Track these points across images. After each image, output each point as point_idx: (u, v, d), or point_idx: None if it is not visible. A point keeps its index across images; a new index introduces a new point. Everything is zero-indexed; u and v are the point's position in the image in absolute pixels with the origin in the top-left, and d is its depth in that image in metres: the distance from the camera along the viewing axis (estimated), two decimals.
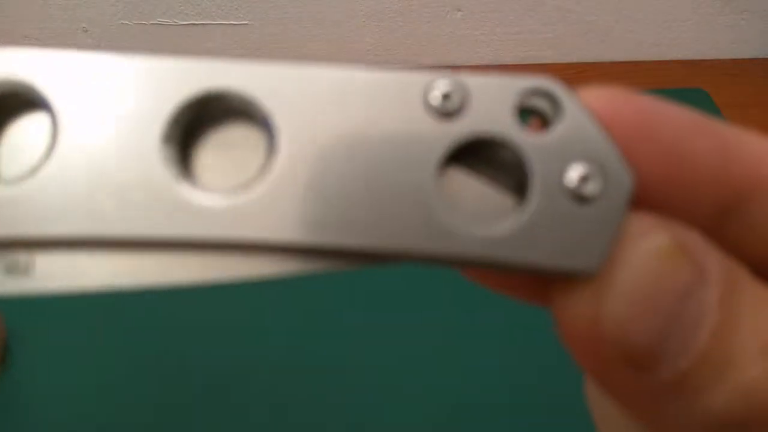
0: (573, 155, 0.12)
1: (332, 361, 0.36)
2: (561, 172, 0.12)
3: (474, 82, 0.12)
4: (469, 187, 0.13)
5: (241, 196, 0.12)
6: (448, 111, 0.12)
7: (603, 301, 0.11)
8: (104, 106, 0.12)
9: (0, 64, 0.13)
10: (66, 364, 0.36)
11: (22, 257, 0.13)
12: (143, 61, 0.13)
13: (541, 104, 0.13)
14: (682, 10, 0.56)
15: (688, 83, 0.54)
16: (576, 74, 0.55)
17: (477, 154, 0.13)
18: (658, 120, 0.12)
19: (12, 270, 0.13)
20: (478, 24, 0.56)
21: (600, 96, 0.12)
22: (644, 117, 0.12)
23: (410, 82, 0.12)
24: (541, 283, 0.13)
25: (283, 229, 0.12)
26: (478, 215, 0.13)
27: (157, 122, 0.12)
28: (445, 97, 0.12)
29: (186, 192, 0.12)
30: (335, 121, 0.12)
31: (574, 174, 0.12)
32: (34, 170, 0.12)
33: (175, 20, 0.54)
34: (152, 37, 0.55)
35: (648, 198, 0.12)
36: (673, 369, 0.11)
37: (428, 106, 0.12)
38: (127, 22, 0.54)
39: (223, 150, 0.13)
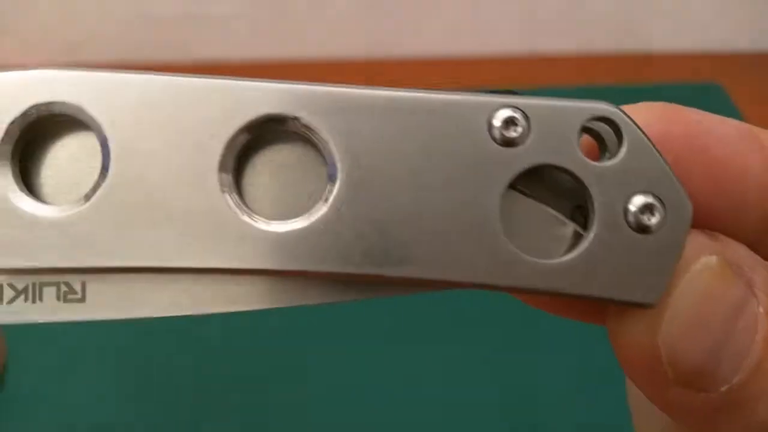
0: (635, 184, 0.12)
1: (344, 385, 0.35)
2: (623, 201, 0.12)
3: (538, 108, 0.12)
4: (528, 213, 0.13)
5: (300, 223, 0.12)
6: (512, 139, 0.12)
7: (658, 327, 0.12)
8: (157, 132, 0.12)
9: (48, 84, 0.12)
10: (63, 383, 0.35)
11: (75, 284, 0.13)
12: (199, 84, 0.12)
13: (600, 128, 0.13)
14: (697, 0, 0.55)
15: (703, 77, 0.53)
16: (588, 66, 0.54)
17: (533, 178, 0.12)
18: (707, 135, 0.12)
19: (65, 297, 0.13)
20: (483, 14, 0.55)
21: (649, 113, 0.12)
22: (694, 133, 0.12)
23: (474, 107, 0.12)
24: (598, 306, 0.13)
25: (345, 259, 0.12)
26: (538, 242, 0.13)
27: (216, 149, 0.12)
28: (509, 124, 0.12)
29: (247, 220, 0.12)
30: (397, 147, 0.12)
31: (636, 204, 0.12)
32: (87, 196, 0.12)
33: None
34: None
35: (696, 212, 0.12)
36: (729, 385, 0.11)
37: (493, 132, 0.12)
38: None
39: (274, 174, 0.13)
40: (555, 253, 0.12)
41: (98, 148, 0.12)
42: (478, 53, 0.56)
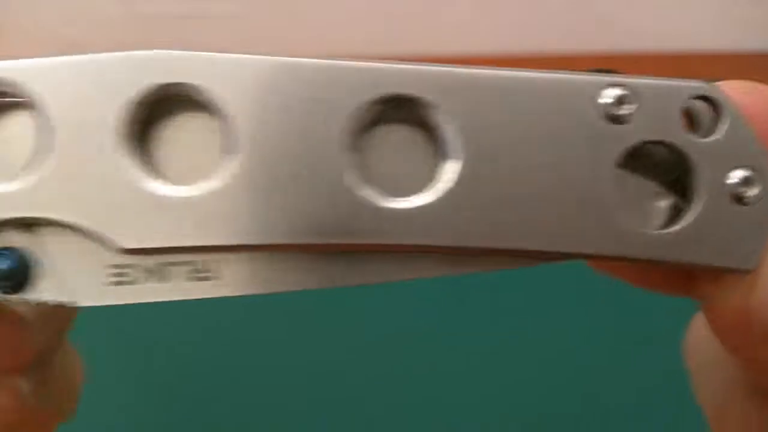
0: (734, 159, 0.13)
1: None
2: (724, 175, 0.13)
3: (643, 87, 0.13)
4: (632, 187, 0.13)
5: (424, 199, 0.13)
6: (621, 116, 0.13)
7: (754, 291, 0.13)
8: (281, 113, 0.12)
9: (171, 65, 0.12)
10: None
11: (205, 263, 0.13)
12: (319, 65, 0.13)
13: (698, 107, 0.13)
14: (697, 0, 0.55)
15: (706, 77, 0.53)
16: (588, 66, 0.54)
17: (632, 154, 0.13)
18: None
19: (196, 276, 0.13)
20: (485, 13, 0.55)
21: (736, 90, 0.13)
22: None
23: (585, 86, 0.13)
24: (684, 276, 0.14)
25: (469, 234, 0.13)
26: (641, 214, 0.13)
27: (339, 128, 0.12)
28: (619, 102, 0.13)
29: (371, 197, 0.13)
30: (512, 125, 0.13)
31: (736, 177, 0.13)
32: (215, 177, 0.12)
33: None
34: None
35: None
36: None
37: (601, 110, 0.13)
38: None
39: (390, 153, 0.13)
40: (654, 224, 0.13)
41: (218, 128, 0.13)
42: (479, 53, 0.56)
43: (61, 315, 0.17)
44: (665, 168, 0.13)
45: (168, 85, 0.12)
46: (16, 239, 0.13)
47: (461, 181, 0.13)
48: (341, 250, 0.13)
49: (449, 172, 0.13)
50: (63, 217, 0.12)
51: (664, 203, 0.14)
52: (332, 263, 0.13)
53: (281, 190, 0.12)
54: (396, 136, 0.13)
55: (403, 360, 0.36)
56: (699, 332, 0.16)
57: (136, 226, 0.12)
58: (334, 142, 0.12)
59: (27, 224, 0.13)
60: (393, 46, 0.55)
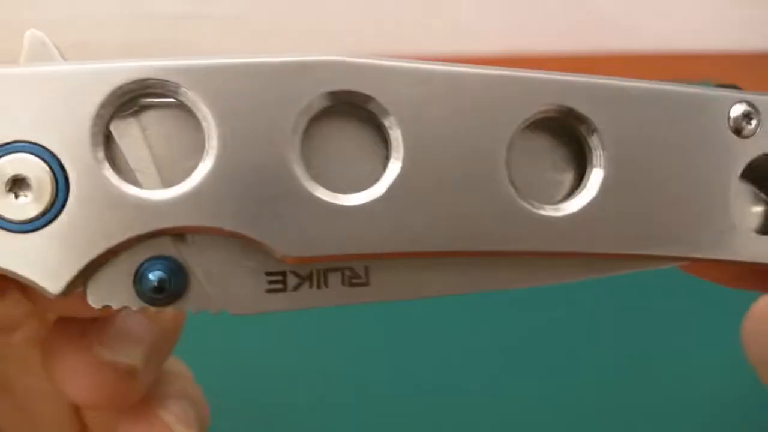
0: None
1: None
2: None
3: (766, 103, 0.14)
4: (747, 195, 0.14)
5: (571, 207, 0.13)
6: (746, 130, 0.14)
7: None
8: (446, 121, 0.13)
9: (339, 73, 0.12)
10: None
11: (359, 269, 0.13)
12: (486, 75, 0.13)
13: None
14: (697, 0, 0.54)
15: (704, 76, 0.53)
16: (588, 66, 0.54)
17: (751, 165, 0.14)
18: None
19: (350, 282, 0.13)
20: (484, 13, 0.55)
21: None
22: None
23: (716, 100, 0.13)
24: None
25: (611, 240, 0.13)
26: (751, 220, 0.14)
27: (502, 140, 0.13)
28: (747, 117, 0.14)
29: (529, 204, 0.13)
30: (654, 134, 0.13)
31: None
32: (380, 185, 0.12)
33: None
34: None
35: None
36: None
37: (731, 124, 0.13)
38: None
39: (540, 162, 0.14)
40: (755, 229, 0.14)
41: (379, 136, 0.13)
42: (479, 53, 0.56)
43: (166, 350, 0.18)
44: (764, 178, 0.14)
45: (339, 93, 0.12)
46: (169, 249, 0.13)
47: (605, 189, 0.13)
48: (491, 256, 0.13)
49: (594, 181, 0.13)
50: (224, 226, 0.12)
51: (761, 210, 0.15)
52: (479, 268, 0.14)
53: (442, 199, 0.13)
54: (545, 146, 0.14)
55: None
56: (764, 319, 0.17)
57: (300, 234, 0.12)
58: (496, 152, 0.13)
59: (181, 233, 0.13)
60: (393, 46, 0.55)
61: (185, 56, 0.13)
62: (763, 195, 0.15)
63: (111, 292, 0.13)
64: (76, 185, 0.12)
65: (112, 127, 0.12)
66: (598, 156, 0.13)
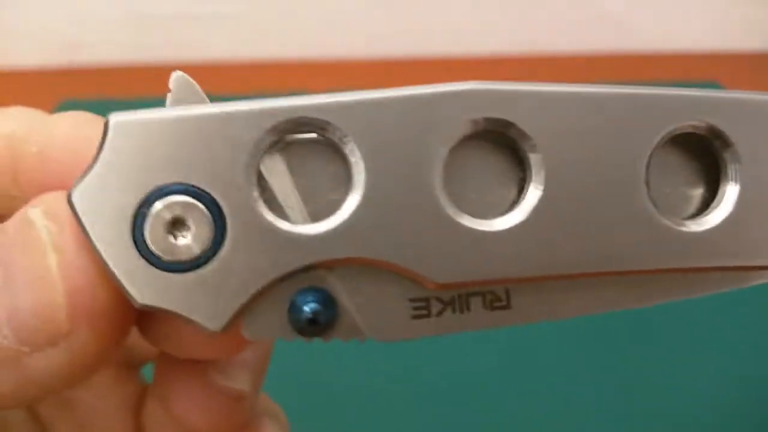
0: None
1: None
2: None
3: None
4: None
5: (711, 221, 0.13)
6: None
7: None
8: (583, 145, 0.13)
9: (483, 99, 0.13)
10: None
11: (500, 292, 0.13)
12: (620, 95, 0.13)
13: None
14: (697, 1, 0.55)
15: (703, 76, 0.53)
16: (588, 66, 0.54)
17: None
18: None
19: (491, 305, 0.13)
20: (485, 12, 0.55)
21: None
22: None
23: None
24: None
25: (749, 252, 0.13)
26: None
27: (640, 161, 0.13)
28: None
29: (669, 221, 0.13)
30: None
31: None
32: (516, 207, 0.13)
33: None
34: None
35: None
36: None
37: None
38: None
39: (674, 177, 0.14)
40: None
41: (520, 162, 0.13)
42: (479, 53, 0.56)
43: (264, 373, 0.18)
44: None
45: (481, 120, 0.13)
46: (320, 280, 0.13)
47: (741, 203, 0.13)
48: (626, 274, 0.13)
49: (730, 196, 0.13)
50: (372, 256, 0.13)
51: None
52: (616, 287, 0.14)
53: (583, 221, 0.13)
54: (679, 162, 0.14)
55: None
56: None
57: (447, 260, 0.13)
58: (636, 171, 0.13)
59: (331, 265, 0.13)
60: (393, 46, 0.55)
61: (332, 94, 0.13)
62: None
63: (266, 326, 0.13)
64: (232, 224, 0.12)
65: (261, 165, 0.13)
66: (731, 172, 0.13)
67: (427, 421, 0.34)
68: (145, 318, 0.14)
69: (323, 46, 0.55)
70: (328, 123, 0.12)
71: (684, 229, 0.13)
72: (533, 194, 0.13)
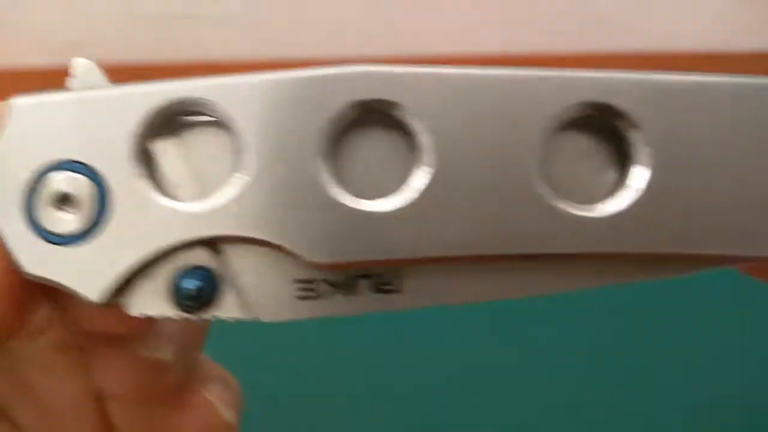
0: None
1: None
2: None
3: None
4: None
5: (613, 207, 0.13)
6: None
7: None
8: (475, 126, 0.13)
9: (367, 81, 0.13)
10: None
11: (390, 275, 0.13)
12: (513, 77, 0.13)
13: None
14: (697, 0, 0.54)
15: None
16: (588, 66, 0.54)
17: None
18: None
19: (381, 288, 0.13)
20: (485, 13, 0.55)
21: None
22: None
23: None
24: None
25: (662, 240, 0.13)
26: None
27: (532, 140, 0.12)
28: None
29: (565, 205, 0.13)
30: (707, 131, 0.13)
31: None
32: (408, 191, 0.13)
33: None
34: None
35: None
36: None
37: None
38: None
39: (579, 161, 0.13)
40: None
41: (411, 142, 0.13)
42: (479, 53, 0.56)
43: (196, 346, 0.19)
44: None
45: (366, 102, 0.13)
46: (204, 259, 0.13)
47: (650, 188, 0.13)
48: (528, 260, 0.13)
49: (638, 180, 0.13)
50: (256, 235, 0.13)
51: None
52: (517, 273, 0.13)
53: (471, 202, 0.13)
54: (583, 143, 0.13)
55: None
56: None
57: (331, 241, 0.13)
58: (526, 152, 0.13)
59: (214, 243, 0.13)
60: (393, 46, 0.55)
61: (219, 76, 0.13)
62: None
63: (149, 302, 0.13)
64: (116, 200, 0.13)
65: (153, 146, 0.13)
66: (640, 154, 0.13)
67: (426, 420, 0.34)
68: (52, 291, 0.15)
69: (323, 46, 0.55)
70: (214, 104, 0.13)
71: (584, 213, 0.13)
72: (422, 176, 0.13)
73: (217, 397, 0.19)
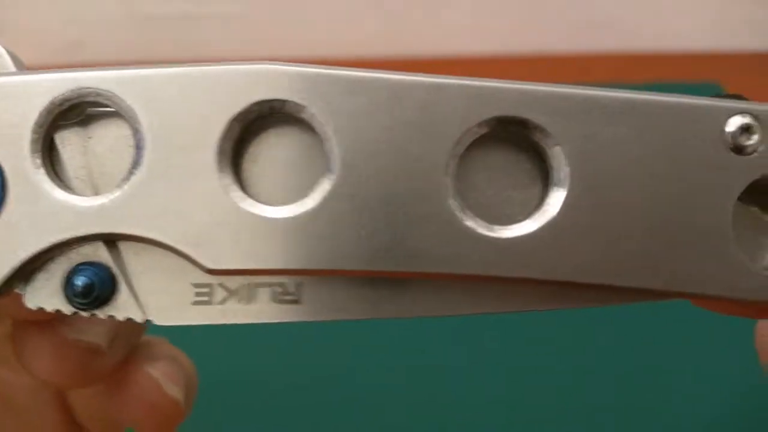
0: None
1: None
2: None
3: None
4: (750, 221, 0.13)
5: (524, 229, 0.12)
6: (746, 146, 0.12)
7: None
8: (385, 134, 0.12)
9: (273, 81, 0.12)
10: None
11: (290, 286, 0.13)
12: (428, 84, 0.12)
13: None
14: (697, 0, 0.54)
15: (702, 77, 0.53)
16: (588, 66, 0.54)
17: (754, 185, 0.12)
18: None
19: (280, 298, 0.13)
20: (482, 13, 0.55)
21: None
22: None
23: (710, 112, 0.12)
24: None
25: (573, 268, 0.12)
26: (757, 252, 0.12)
27: (443, 151, 0.12)
28: (745, 131, 0.12)
29: (474, 224, 0.12)
30: (628, 151, 0.12)
31: None
32: (312, 198, 0.12)
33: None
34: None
35: None
36: None
37: (727, 139, 0.12)
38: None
39: (490, 177, 0.12)
40: (759, 261, 0.12)
41: (318, 147, 0.12)
42: (478, 53, 0.56)
43: (135, 330, 0.19)
44: None
45: (270, 102, 0.12)
46: (101, 256, 0.13)
47: (565, 211, 0.12)
48: (432, 279, 0.12)
49: (553, 201, 0.12)
50: (149, 234, 0.12)
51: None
52: (423, 291, 0.13)
53: (376, 215, 0.12)
54: (501, 160, 0.12)
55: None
56: None
57: (226, 246, 0.12)
58: (436, 165, 0.12)
59: (110, 240, 0.13)
60: (393, 46, 0.55)
61: (123, 66, 0.12)
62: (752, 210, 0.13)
63: (44, 296, 0.13)
64: (13, 190, 0.12)
65: (56, 136, 0.13)
66: (557, 173, 0.12)
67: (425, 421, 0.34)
68: None
69: (323, 46, 0.55)
70: (113, 95, 0.12)
71: (489, 233, 0.12)
72: (324, 184, 0.12)
73: (162, 374, 0.18)
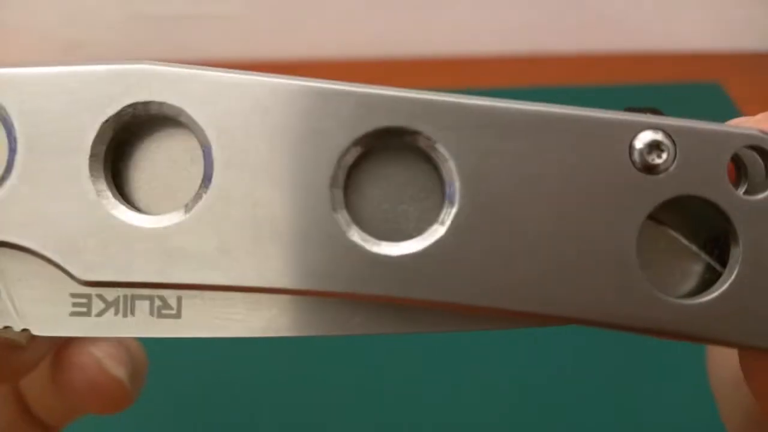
0: None
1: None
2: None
3: (685, 132, 0.11)
4: (660, 242, 0.12)
5: (413, 246, 0.11)
6: (655, 165, 0.11)
7: None
8: (266, 141, 0.11)
9: (148, 82, 0.11)
10: None
11: (171, 299, 0.12)
12: (315, 89, 0.11)
13: (749, 157, 0.11)
14: (697, 0, 0.54)
15: (702, 77, 0.53)
16: (588, 66, 0.54)
17: (667, 204, 0.11)
18: None
19: (159, 312, 0.12)
20: (484, 13, 0.55)
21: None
22: None
23: (616, 127, 0.11)
24: None
25: (463, 289, 0.11)
26: (667, 275, 0.12)
27: (328, 162, 0.11)
28: (654, 148, 0.11)
29: (358, 241, 0.11)
30: (526, 168, 0.11)
31: None
32: (187, 207, 0.11)
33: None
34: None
35: None
36: None
37: (634, 157, 0.11)
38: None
39: (384, 191, 0.12)
40: (682, 290, 0.12)
41: (199, 153, 0.11)
42: (478, 53, 0.56)
43: None
44: (703, 225, 0.12)
45: (146, 104, 0.11)
46: None
47: (454, 229, 0.11)
48: (317, 296, 0.12)
49: (443, 219, 0.11)
50: (21, 242, 0.12)
51: (697, 266, 0.12)
52: (305, 308, 0.12)
53: (254, 228, 0.11)
54: (399, 172, 0.12)
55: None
56: (721, 356, 0.16)
57: (98, 256, 0.11)
58: (322, 176, 0.11)
59: None
60: (393, 46, 0.55)
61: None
62: (690, 246, 0.12)
63: None
64: None
65: None
66: (447, 189, 0.11)
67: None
68: None
69: (323, 46, 0.55)
70: None
71: (376, 250, 0.11)
72: (202, 193, 0.11)
73: (104, 353, 0.18)
